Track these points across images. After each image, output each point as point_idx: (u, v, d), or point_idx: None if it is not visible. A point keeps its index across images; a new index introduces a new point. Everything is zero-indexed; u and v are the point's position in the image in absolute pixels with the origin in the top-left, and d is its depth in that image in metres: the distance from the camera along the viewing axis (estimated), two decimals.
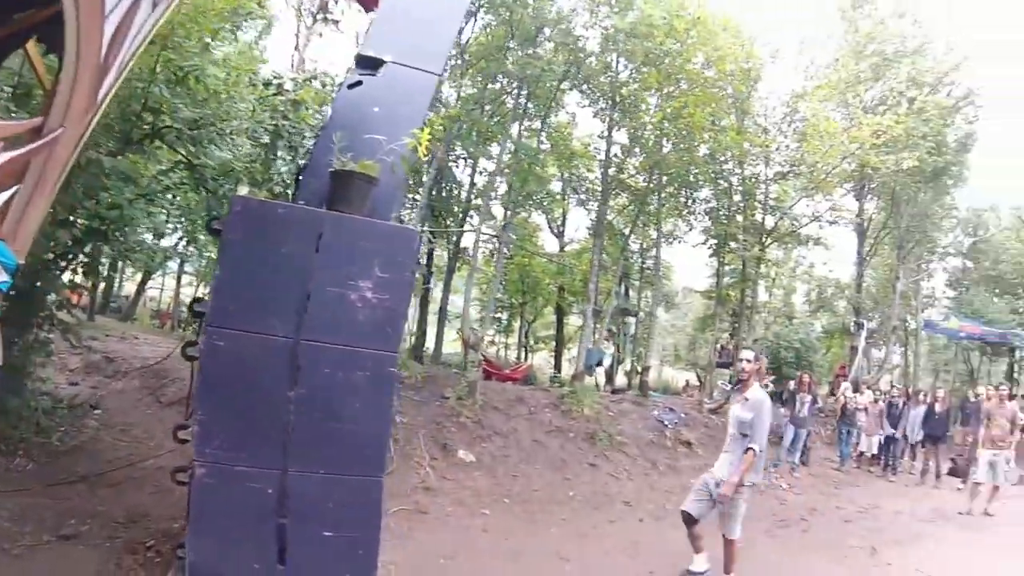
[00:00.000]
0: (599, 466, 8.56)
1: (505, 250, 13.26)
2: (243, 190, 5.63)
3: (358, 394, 2.89)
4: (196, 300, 3.30)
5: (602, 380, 14.05)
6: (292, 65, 10.20)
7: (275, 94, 6.15)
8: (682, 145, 12.13)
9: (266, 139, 6.05)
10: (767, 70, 12.65)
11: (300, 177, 3.54)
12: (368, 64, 3.62)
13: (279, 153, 6.18)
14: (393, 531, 5.04)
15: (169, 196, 6.83)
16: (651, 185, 13.07)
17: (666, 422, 10.65)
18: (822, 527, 7.18)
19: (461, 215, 15.28)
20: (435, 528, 5.73)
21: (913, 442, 11.31)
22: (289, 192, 5.39)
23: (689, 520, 4.67)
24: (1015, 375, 19.67)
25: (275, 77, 6.45)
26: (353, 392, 2.88)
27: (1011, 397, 8.83)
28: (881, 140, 11.60)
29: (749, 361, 4.74)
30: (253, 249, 2.86)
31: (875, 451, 11.33)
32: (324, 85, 6.63)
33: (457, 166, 15.16)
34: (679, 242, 15.89)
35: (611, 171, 12.82)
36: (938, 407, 10.90)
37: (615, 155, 12.87)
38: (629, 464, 9.10)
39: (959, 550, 6.47)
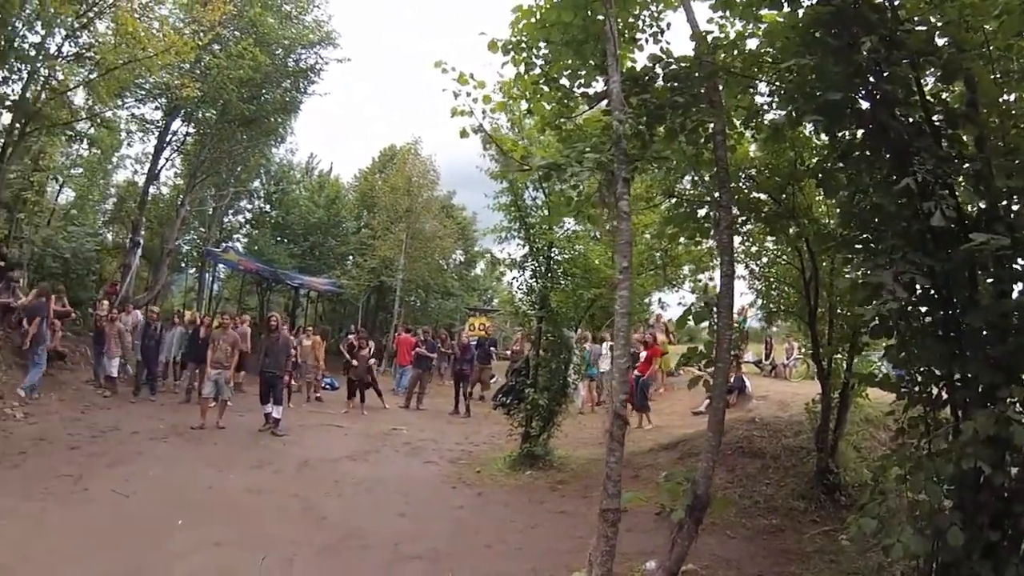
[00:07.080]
0: None
1: None
2: None
3: None
4: None
5: None
6: None
7: None
8: None
9: None
10: None
11: None
12: None
13: None
14: None
15: None
16: None
17: None
18: (38, 459, 7.03)
19: None
20: None
21: (168, 360, 12.10)
22: None
23: None
24: (296, 308, 22.77)
25: None
26: None
27: (236, 325, 10.74)
28: (171, 56, 11.40)
29: None
30: None
31: (114, 373, 11.19)
32: None
33: None
34: None
35: None
36: (203, 331, 11.62)
37: None
38: None
39: (175, 465, 7.32)
